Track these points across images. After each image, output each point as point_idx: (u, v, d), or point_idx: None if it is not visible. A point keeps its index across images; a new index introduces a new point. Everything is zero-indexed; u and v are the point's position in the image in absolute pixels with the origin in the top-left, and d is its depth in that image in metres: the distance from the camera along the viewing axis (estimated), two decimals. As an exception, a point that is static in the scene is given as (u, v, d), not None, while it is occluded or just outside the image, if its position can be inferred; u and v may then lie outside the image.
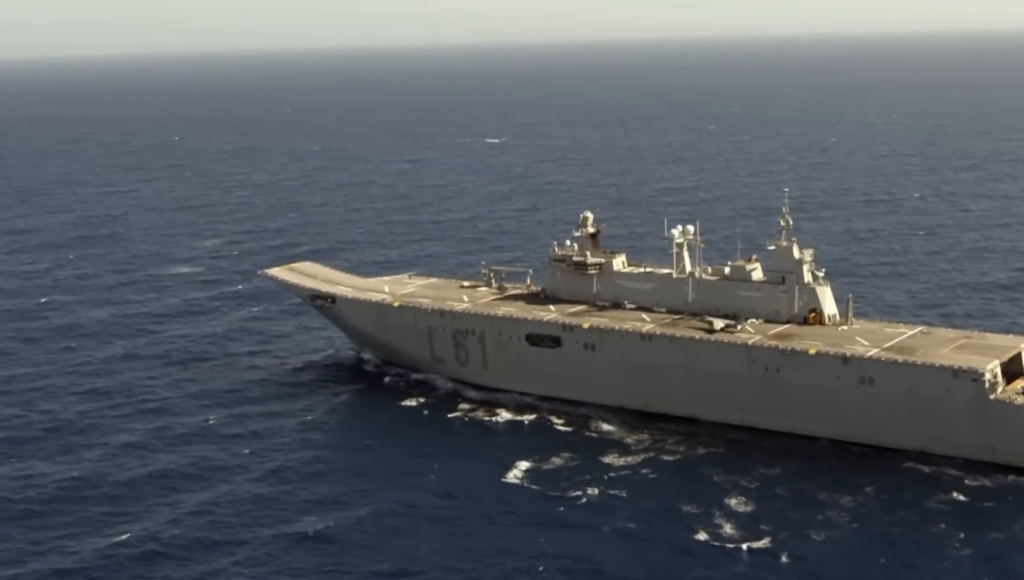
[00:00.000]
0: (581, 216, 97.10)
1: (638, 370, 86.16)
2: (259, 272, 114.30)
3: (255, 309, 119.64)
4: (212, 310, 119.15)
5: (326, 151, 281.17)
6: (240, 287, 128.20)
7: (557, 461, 76.97)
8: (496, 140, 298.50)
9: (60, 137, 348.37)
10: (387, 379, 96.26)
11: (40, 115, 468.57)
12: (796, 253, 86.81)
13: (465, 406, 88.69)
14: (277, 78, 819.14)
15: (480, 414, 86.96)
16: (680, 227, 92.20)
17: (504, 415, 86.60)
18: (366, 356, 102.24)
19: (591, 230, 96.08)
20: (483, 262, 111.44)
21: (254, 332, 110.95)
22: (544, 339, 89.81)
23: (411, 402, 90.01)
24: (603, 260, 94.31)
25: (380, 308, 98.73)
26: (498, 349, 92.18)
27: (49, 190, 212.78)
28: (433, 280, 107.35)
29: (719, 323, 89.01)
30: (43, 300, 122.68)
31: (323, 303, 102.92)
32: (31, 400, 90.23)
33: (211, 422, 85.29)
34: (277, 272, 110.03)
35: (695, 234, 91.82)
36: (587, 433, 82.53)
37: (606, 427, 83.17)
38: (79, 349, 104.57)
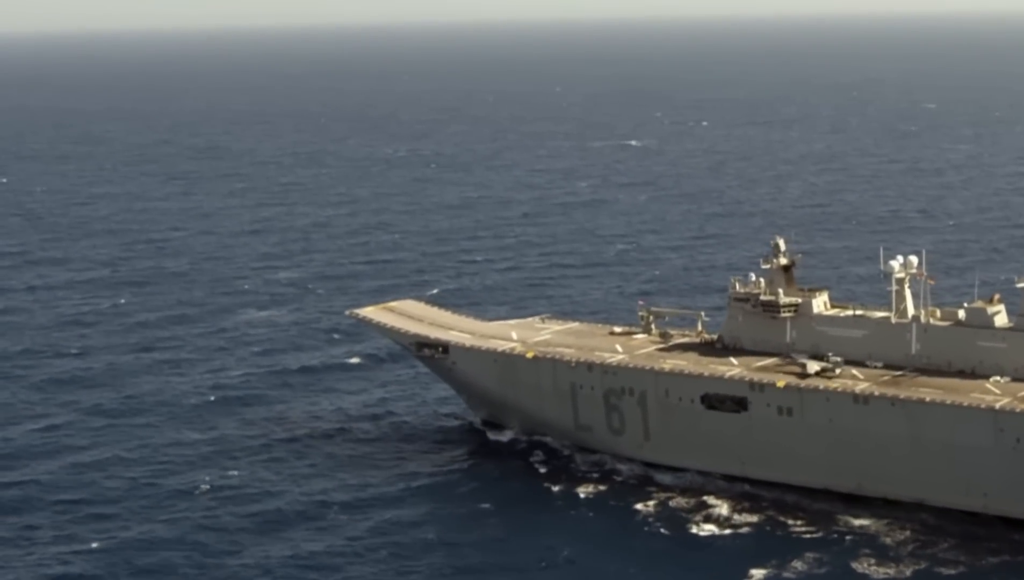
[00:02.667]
0: (771, 243, 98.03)
1: (848, 441, 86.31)
2: (348, 312, 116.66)
3: (346, 360, 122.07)
4: (297, 362, 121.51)
5: (416, 156, 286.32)
6: (334, 335, 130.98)
7: (799, 567, 76.93)
8: (637, 142, 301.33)
9: (66, 134, 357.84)
10: (511, 446, 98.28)
11: (32, 105, 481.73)
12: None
13: (655, 491, 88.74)
14: (324, 59, 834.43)
15: (680, 503, 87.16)
16: (900, 258, 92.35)
17: (714, 505, 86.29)
18: (481, 420, 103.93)
19: (784, 261, 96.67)
20: (640, 301, 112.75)
21: (342, 391, 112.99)
22: (725, 401, 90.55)
23: (580, 489, 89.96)
24: (799, 300, 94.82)
25: (507, 360, 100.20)
26: (664, 414, 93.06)
27: (67, 209, 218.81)
28: (574, 325, 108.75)
29: (814, 366, 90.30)
30: (97, 365, 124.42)
31: (432, 353, 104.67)
32: (100, 491, 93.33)
33: (313, 512, 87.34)
34: (371, 313, 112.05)
35: (920, 267, 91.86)
36: (828, 530, 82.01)
37: (857, 522, 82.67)
38: (125, 421, 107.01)
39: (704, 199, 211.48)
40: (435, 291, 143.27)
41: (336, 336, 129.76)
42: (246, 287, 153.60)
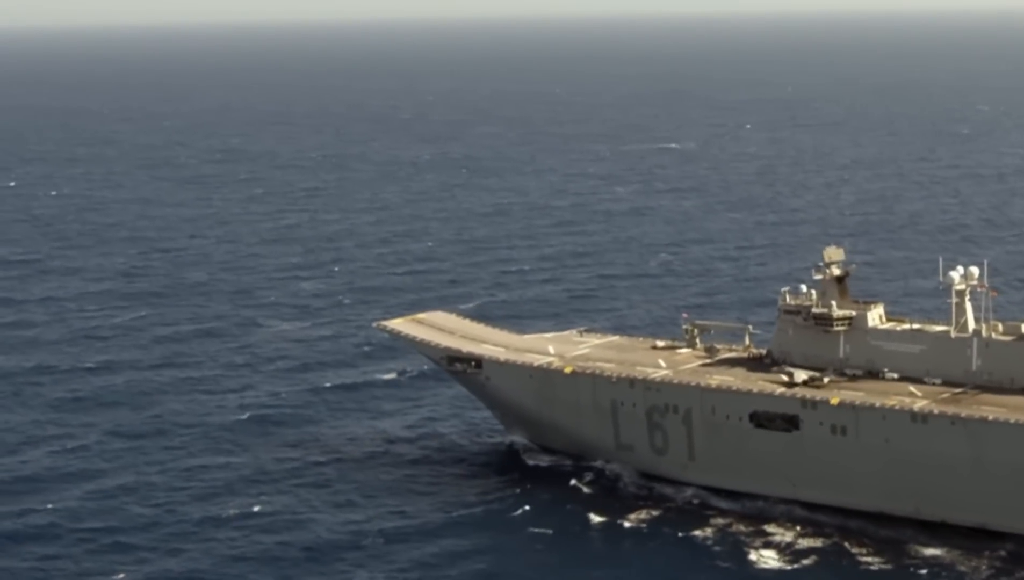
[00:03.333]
0: (824, 252, 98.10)
1: (906, 462, 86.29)
2: (375, 324, 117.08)
3: (379, 376, 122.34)
4: (328, 379, 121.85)
5: (444, 159, 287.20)
6: (365, 348, 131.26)
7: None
8: (677, 146, 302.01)
9: (74, 136, 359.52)
10: (553, 468, 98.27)
11: (37, 104, 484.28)
12: None
13: (712, 517, 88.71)
14: (344, 57, 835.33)
15: (739, 530, 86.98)
16: (960, 269, 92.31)
17: (774, 532, 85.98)
18: (517, 439, 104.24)
19: (837, 272, 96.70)
20: (684, 314, 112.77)
21: (376, 410, 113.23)
22: (775, 419, 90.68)
23: (631, 515, 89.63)
24: (853, 313, 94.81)
25: (544, 375, 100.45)
26: (710, 433, 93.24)
27: (79, 215, 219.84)
28: (614, 338, 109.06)
29: (801, 374, 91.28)
30: (117, 382, 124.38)
31: (464, 367, 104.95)
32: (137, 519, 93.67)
33: (351, 541, 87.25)
34: (400, 325, 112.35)
35: (981, 279, 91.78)
36: (899, 560, 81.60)
37: (928, 552, 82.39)
38: (148, 443, 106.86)
39: (751, 206, 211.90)
40: (469, 304, 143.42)
41: (367, 350, 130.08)
42: (271, 299, 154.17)
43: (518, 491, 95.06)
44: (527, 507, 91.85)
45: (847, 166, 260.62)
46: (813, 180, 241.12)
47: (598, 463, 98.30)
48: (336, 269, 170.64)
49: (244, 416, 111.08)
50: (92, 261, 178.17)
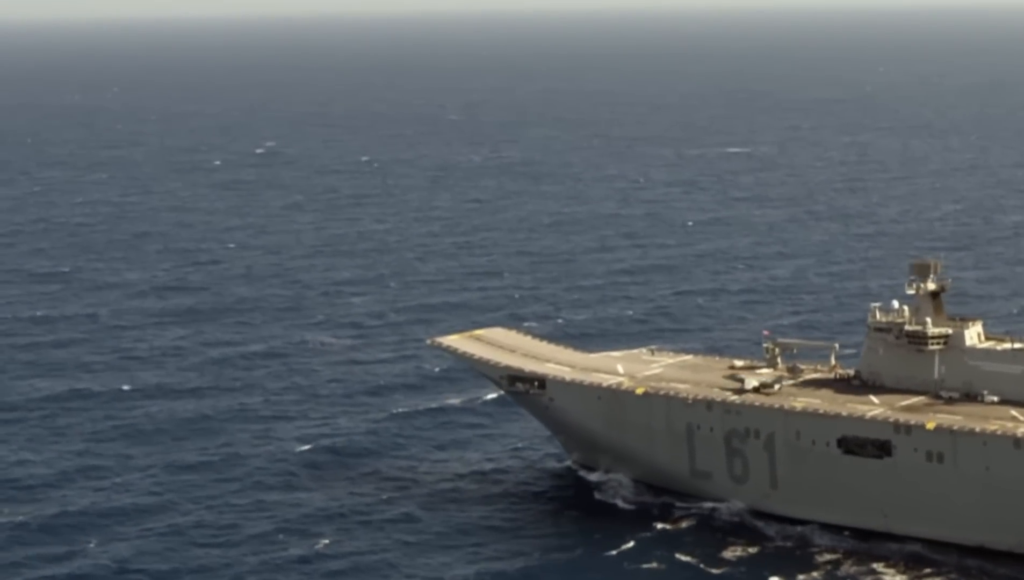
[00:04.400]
0: (917, 265, 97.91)
1: (1008, 491, 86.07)
2: (429, 340, 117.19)
3: (444, 401, 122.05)
4: (387, 406, 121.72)
5: (498, 163, 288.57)
6: (425, 369, 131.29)
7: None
8: (749, 149, 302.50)
9: (97, 137, 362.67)
10: (628, 500, 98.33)
11: (54, 104, 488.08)
12: None
13: (815, 554, 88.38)
14: (385, 53, 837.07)
15: (848, 571, 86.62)
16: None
17: (885, 573, 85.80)
18: (583, 466, 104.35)
19: (932, 286, 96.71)
20: (764, 331, 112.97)
21: (435, 438, 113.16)
22: (866, 445, 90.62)
23: (726, 553, 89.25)
24: (950, 330, 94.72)
25: (614, 396, 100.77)
26: (794, 459, 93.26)
27: (111, 224, 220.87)
28: (687, 357, 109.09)
29: (752, 381, 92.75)
30: (161, 412, 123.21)
31: (526, 388, 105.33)
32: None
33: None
34: (456, 342, 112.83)
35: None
36: None
37: None
38: (200, 478, 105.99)
39: (837, 215, 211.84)
40: (531, 320, 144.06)
41: (428, 371, 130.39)
42: (321, 316, 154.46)
43: (596, 526, 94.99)
44: (611, 547, 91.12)
45: (940, 172, 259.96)
46: (903, 187, 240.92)
47: (675, 493, 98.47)
48: (391, 284, 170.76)
49: (302, 448, 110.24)
50: (126, 275, 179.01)
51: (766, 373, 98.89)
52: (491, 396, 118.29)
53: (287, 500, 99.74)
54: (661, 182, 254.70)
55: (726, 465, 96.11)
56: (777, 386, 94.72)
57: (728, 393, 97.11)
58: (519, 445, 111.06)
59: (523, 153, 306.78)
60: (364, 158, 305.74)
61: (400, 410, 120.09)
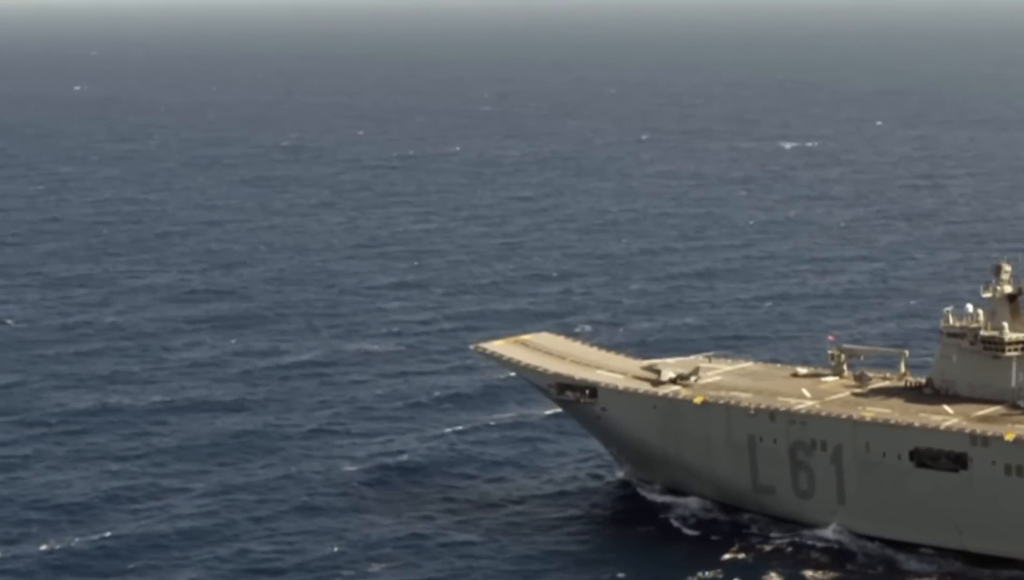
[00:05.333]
0: (993, 267, 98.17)
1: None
2: (473, 346, 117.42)
3: (492, 412, 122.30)
4: (436, 420, 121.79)
5: (537, 158, 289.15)
6: (475, 379, 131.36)
7: None
8: (805, 144, 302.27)
9: (101, 131, 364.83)
10: (691, 515, 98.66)
11: (60, 96, 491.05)
12: None
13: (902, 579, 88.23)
14: (408, 40, 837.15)
15: None
16: None
17: None
18: (635, 479, 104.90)
19: (1008, 289, 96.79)
20: (830, 337, 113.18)
21: (492, 454, 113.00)
22: (940, 458, 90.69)
23: (808, 573, 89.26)
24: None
25: (670, 406, 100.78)
26: (864, 473, 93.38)
27: (130, 224, 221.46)
28: (747, 364, 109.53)
29: (668, 372, 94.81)
30: (203, 429, 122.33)
31: (576, 397, 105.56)
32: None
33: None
34: (501, 348, 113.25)
35: None
36: None
37: None
38: (239, 498, 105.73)
39: (907, 214, 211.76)
40: (581, 326, 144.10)
41: (476, 380, 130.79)
42: (359, 324, 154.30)
43: (654, 544, 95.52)
44: (673, 569, 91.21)
45: (1013, 168, 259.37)
46: (975, 184, 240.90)
47: (738, 510, 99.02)
48: (433, 288, 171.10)
49: (352, 467, 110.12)
50: (151, 279, 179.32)
51: (684, 362, 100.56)
52: (545, 409, 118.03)
53: (340, 524, 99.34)
54: (715, 178, 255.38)
55: (791, 479, 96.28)
56: (694, 378, 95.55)
57: (792, 401, 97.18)
58: (576, 460, 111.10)
59: (564, 146, 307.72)
60: (395, 153, 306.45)
61: (453, 423, 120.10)
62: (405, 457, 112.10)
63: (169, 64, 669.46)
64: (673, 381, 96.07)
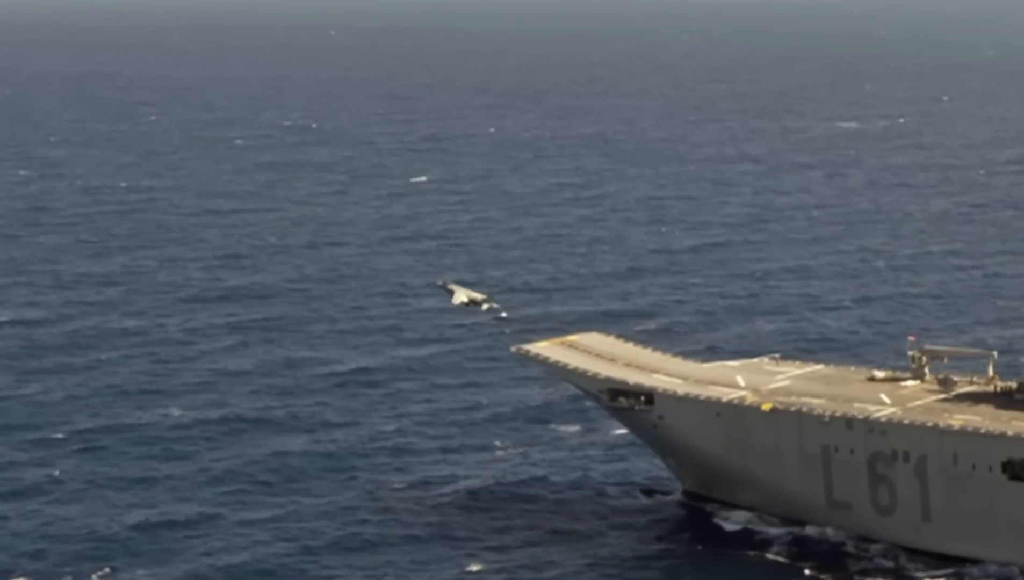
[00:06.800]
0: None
1: None
2: (514, 348, 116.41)
3: (547, 424, 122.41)
4: (486, 433, 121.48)
5: (575, 139, 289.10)
6: (524, 387, 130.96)
7: None
8: (856, 125, 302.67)
9: (89, 110, 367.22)
10: (752, 535, 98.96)
11: (35, 69, 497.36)
12: None
13: None
14: (432, 15, 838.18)
15: None
16: None
17: None
18: (698, 495, 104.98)
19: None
20: (910, 337, 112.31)
21: (546, 469, 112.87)
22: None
23: None
24: None
25: (735, 413, 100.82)
26: (951, 486, 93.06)
27: (130, 215, 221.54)
28: (818, 367, 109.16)
29: (461, 296, 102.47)
30: (234, 444, 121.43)
31: (630, 403, 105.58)
32: None
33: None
34: (546, 350, 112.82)
35: None
36: None
37: None
38: (278, 512, 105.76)
39: (989, 202, 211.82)
40: (634, 326, 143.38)
41: (514, 382, 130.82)
42: (390, 326, 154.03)
43: (715, 564, 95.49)
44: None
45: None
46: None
47: (814, 528, 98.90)
48: (460, 281, 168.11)
49: (399, 484, 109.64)
50: (161, 277, 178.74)
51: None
52: (599, 419, 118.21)
53: (394, 555, 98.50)
54: (769, 162, 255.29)
55: (869, 494, 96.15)
56: (486, 306, 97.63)
57: (871, 408, 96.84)
58: (630, 475, 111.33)
59: (601, 127, 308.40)
60: (409, 133, 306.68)
61: (510, 438, 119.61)
62: (454, 482, 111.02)
63: (156, 37, 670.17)
64: (465, 305, 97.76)
